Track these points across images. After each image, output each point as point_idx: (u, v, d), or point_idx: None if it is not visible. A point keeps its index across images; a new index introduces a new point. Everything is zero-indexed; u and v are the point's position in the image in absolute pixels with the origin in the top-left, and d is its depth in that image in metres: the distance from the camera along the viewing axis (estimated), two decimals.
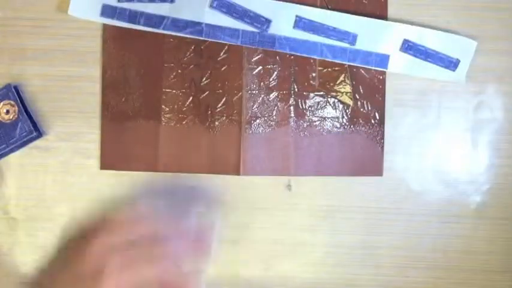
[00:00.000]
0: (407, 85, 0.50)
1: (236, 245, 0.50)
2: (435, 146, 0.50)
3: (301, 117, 0.50)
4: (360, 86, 0.50)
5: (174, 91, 0.50)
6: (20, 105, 0.49)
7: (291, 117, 0.50)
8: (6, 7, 0.50)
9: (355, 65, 0.49)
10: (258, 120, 0.50)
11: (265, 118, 0.50)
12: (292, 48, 0.49)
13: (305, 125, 0.50)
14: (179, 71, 0.50)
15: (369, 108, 0.50)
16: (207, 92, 0.50)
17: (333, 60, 0.49)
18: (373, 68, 0.49)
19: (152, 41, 0.50)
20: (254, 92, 0.50)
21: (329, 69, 0.50)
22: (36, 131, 0.49)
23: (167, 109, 0.50)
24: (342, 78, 0.50)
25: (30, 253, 0.50)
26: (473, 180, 0.49)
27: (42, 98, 0.50)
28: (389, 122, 0.50)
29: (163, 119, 0.50)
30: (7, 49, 0.50)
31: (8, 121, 0.49)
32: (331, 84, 0.50)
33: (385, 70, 0.49)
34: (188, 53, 0.50)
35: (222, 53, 0.50)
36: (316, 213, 0.50)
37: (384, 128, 0.50)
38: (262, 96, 0.50)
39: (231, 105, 0.50)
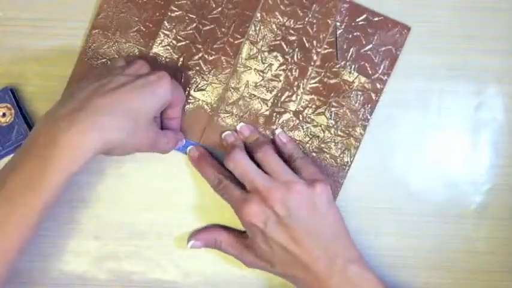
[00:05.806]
0: (407, 85, 0.50)
1: None
2: (435, 146, 0.50)
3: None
4: (339, 123, 0.49)
5: (161, 58, 0.50)
6: (17, 108, 0.49)
7: (260, 125, 0.50)
8: (6, 7, 0.50)
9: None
10: (229, 117, 0.50)
11: (236, 118, 0.50)
12: None
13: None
14: (173, 41, 0.50)
15: (339, 146, 0.50)
16: (192, 72, 0.50)
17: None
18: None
19: (158, 4, 0.50)
20: (236, 90, 0.50)
21: (313, 96, 0.49)
22: None
23: None
24: (322, 110, 0.50)
25: (30, 253, 0.50)
26: (473, 180, 0.49)
27: (42, 98, 0.50)
28: (390, 122, 0.50)
29: None
30: (7, 49, 0.50)
31: (5, 124, 0.49)
32: (310, 111, 0.50)
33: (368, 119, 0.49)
34: (189, 29, 0.50)
35: (219, 42, 0.50)
36: None
37: (348, 171, 0.49)
38: (242, 96, 0.50)
39: (210, 93, 0.50)
